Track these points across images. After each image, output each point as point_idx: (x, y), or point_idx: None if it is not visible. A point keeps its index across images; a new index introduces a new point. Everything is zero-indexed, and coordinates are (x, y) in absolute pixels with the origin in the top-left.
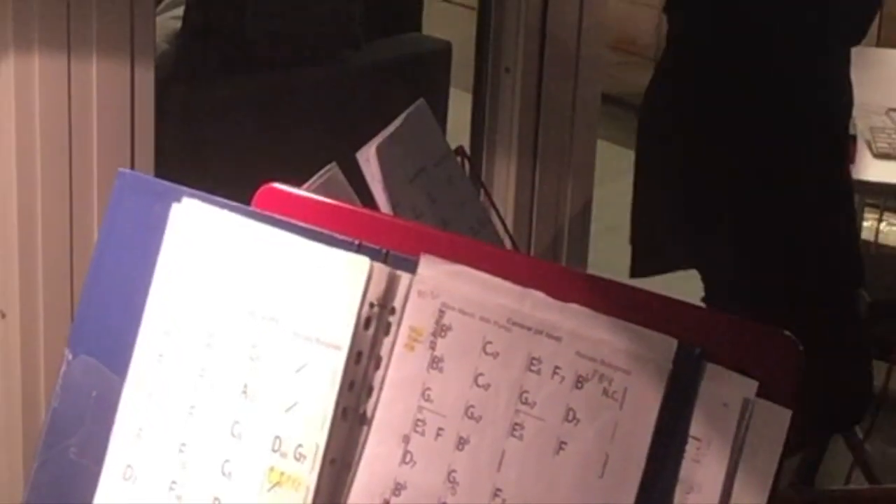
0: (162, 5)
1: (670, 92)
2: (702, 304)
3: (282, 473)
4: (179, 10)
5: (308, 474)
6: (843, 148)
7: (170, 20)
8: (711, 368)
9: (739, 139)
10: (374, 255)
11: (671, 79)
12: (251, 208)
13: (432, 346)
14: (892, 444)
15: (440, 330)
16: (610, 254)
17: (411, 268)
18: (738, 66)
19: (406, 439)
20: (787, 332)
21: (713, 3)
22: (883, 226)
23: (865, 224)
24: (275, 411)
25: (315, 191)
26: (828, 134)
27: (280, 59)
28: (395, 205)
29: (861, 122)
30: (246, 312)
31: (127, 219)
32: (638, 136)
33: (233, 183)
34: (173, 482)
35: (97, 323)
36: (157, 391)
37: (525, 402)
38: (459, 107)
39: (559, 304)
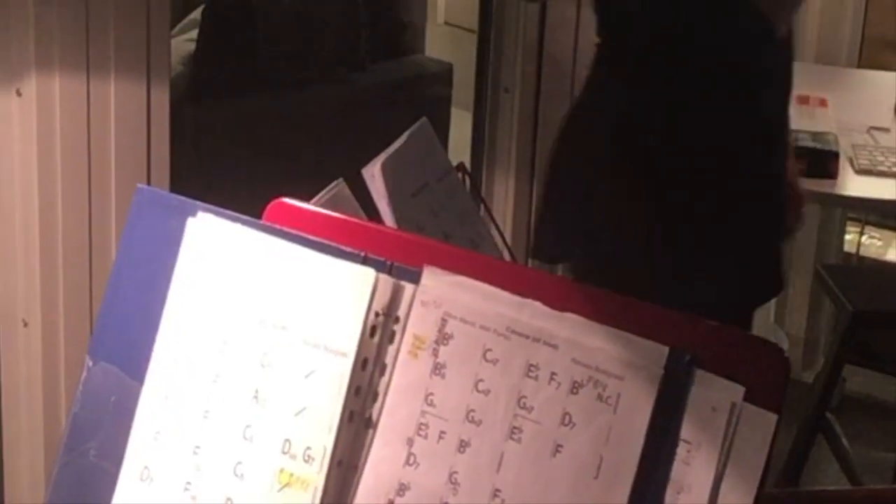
0: (177, 28)
1: (601, 102)
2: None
3: (291, 475)
4: (193, 34)
5: (316, 475)
6: (773, 163)
7: (184, 43)
8: (701, 374)
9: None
10: (379, 266)
11: (601, 92)
12: (262, 222)
13: (435, 354)
14: (875, 447)
15: (442, 338)
16: None
17: (415, 279)
18: (667, 86)
19: (410, 442)
20: (773, 342)
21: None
22: (864, 238)
23: (847, 237)
24: (285, 415)
25: (323, 205)
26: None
27: (289, 80)
28: (399, 219)
29: (843, 139)
30: (257, 321)
31: (144, 232)
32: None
33: (244, 197)
34: (188, 483)
35: (116, 331)
36: (173, 396)
37: (523, 407)
38: (460, 125)
39: (556, 313)
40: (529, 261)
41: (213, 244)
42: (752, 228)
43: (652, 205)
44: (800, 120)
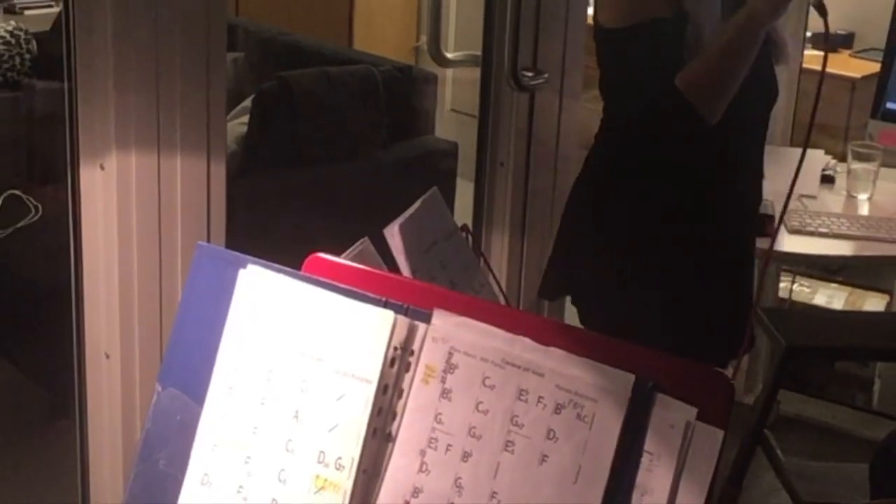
0: (231, 113)
1: (604, 167)
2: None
3: (325, 480)
4: (245, 118)
5: (346, 481)
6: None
7: (238, 126)
8: (661, 398)
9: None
10: (397, 309)
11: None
12: (301, 273)
13: (443, 381)
14: (804, 457)
15: (449, 368)
16: None
17: (427, 319)
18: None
19: (423, 453)
20: (720, 370)
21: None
22: (795, 286)
23: (781, 285)
24: (320, 431)
25: (351, 259)
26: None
27: (323, 157)
28: (413, 270)
29: (777, 204)
30: (297, 354)
31: (204, 281)
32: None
33: (287, 253)
34: (240, 486)
35: (181, 363)
36: (228, 415)
37: (516, 424)
38: (464, 193)
39: (542, 347)
40: (521, 305)
41: (261, 291)
42: (727, 290)
43: (634, 262)
44: None
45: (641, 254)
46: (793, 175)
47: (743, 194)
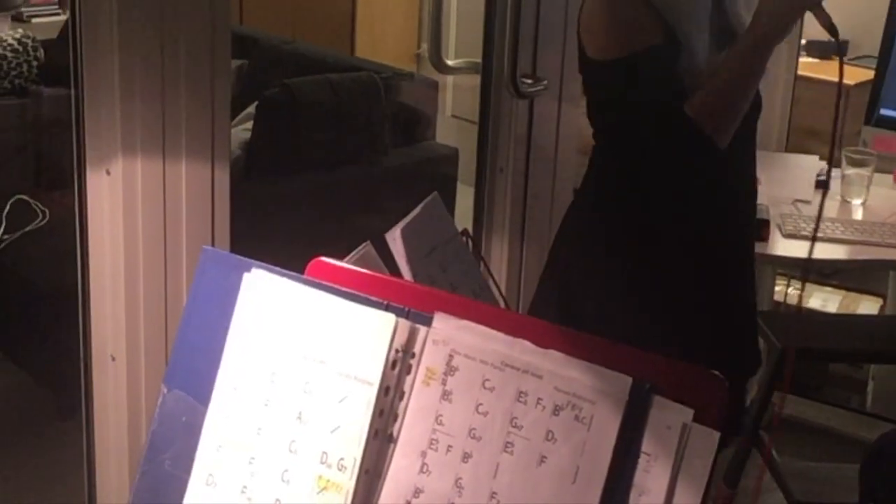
0: (236, 120)
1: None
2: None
3: (328, 480)
4: (249, 124)
5: (348, 481)
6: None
7: (242, 131)
8: (658, 400)
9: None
10: (398, 312)
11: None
12: (304, 276)
13: (444, 383)
14: (797, 457)
15: (450, 370)
16: None
17: (427, 322)
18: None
19: (423, 454)
20: (715, 372)
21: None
22: (790, 289)
23: (777, 289)
24: (323, 432)
25: (353, 263)
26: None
27: (326, 162)
28: (414, 274)
29: (773, 210)
30: (300, 356)
31: (209, 284)
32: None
33: (290, 257)
34: (245, 487)
35: (186, 365)
36: (232, 417)
37: (515, 426)
38: (464, 198)
39: (541, 350)
40: (520, 308)
41: (265, 294)
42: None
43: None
44: None
45: (643, 274)
46: (787, 180)
47: (741, 204)
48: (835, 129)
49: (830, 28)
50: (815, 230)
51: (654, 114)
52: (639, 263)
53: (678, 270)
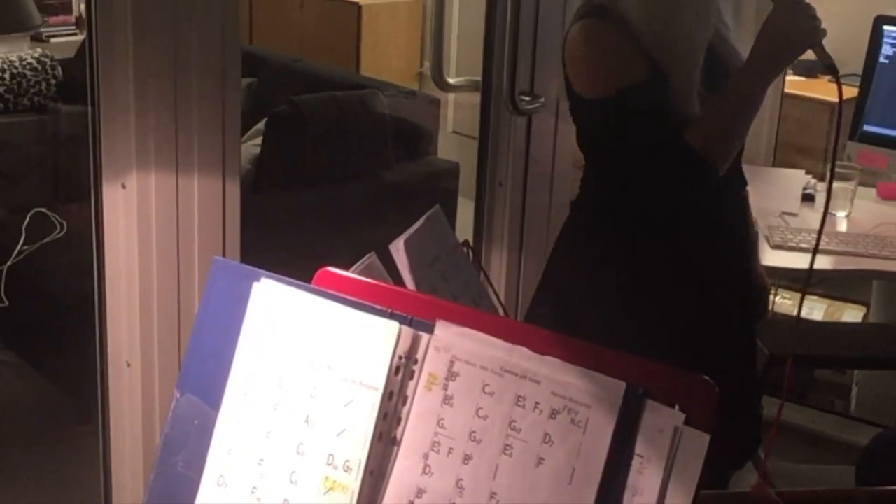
0: (246, 136)
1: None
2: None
3: (334, 481)
4: (258, 140)
5: (353, 482)
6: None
7: (252, 147)
8: (650, 404)
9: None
10: (402, 320)
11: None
12: (312, 286)
13: (445, 388)
14: (785, 459)
15: (451, 375)
16: None
17: (430, 330)
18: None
19: (426, 456)
20: (705, 377)
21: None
22: (777, 298)
23: None
24: (329, 435)
25: (359, 273)
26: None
27: (332, 176)
28: (417, 283)
29: (761, 221)
30: (308, 362)
31: (220, 293)
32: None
33: (298, 267)
34: (254, 487)
35: (199, 370)
36: (243, 420)
37: (513, 429)
38: (465, 211)
39: (538, 356)
40: (518, 316)
41: (274, 303)
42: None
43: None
44: None
45: (635, 289)
46: (775, 194)
47: (732, 223)
48: (834, 150)
49: (830, 67)
50: (817, 243)
51: (643, 145)
52: (631, 278)
53: (670, 285)
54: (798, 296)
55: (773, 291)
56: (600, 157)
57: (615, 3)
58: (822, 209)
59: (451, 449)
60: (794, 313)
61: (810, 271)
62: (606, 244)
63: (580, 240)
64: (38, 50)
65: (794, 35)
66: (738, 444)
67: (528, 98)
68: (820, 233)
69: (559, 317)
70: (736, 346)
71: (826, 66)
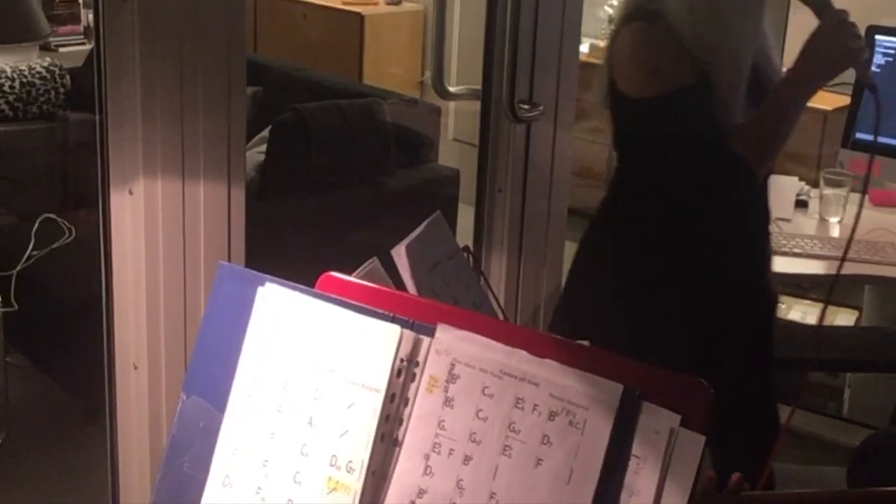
0: (250, 143)
1: (620, 211)
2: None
3: (337, 482)
4: (263, 147)
5: (356, 483)
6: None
7: (256, 154)
8: (647, 406)
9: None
10: (403, 323)
11: (621, 201)
12: (315, 290)
13: (446, 390)
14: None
15: (451, 378)
16: None
17: (431, 333)
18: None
19: (427, 457)
20: (701, 379)
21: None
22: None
23: None
24: (332, 436)
25: (361, 278)
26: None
27: (335, 182)
28: (418, 288)
29: None
30: (311, 365)
31: (225, 298)
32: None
33: (301, 271)
34: (259, 488)
35: (204, 373)
36: (247, 422)
37: (513, 430)
38: (465, 217)
39: (537, 359)
40: (517, 320)
41: (278, 307)
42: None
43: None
44: None
45: (668, 296)
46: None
47: (756, 231)
48: (870, 165)
49: (871, 87)
50: (846, 253)
51: (686, 146)
52: (653, 279)
53: (694, 288)
54: (793, 300)
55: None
56: (638, 158)
57: (662, 7)
58: (816, 216)
59: (451, 450)
60: (787, 316)
61: (836, 277)
62: (634, 244)
63: (608, 239)
64: (47, 59)
65: (838, 53)
66: (757, 449)
67: (527, 106)
68: (848, 244)
69: (583, 322)
70: (755, 352)
71: (867, 86)
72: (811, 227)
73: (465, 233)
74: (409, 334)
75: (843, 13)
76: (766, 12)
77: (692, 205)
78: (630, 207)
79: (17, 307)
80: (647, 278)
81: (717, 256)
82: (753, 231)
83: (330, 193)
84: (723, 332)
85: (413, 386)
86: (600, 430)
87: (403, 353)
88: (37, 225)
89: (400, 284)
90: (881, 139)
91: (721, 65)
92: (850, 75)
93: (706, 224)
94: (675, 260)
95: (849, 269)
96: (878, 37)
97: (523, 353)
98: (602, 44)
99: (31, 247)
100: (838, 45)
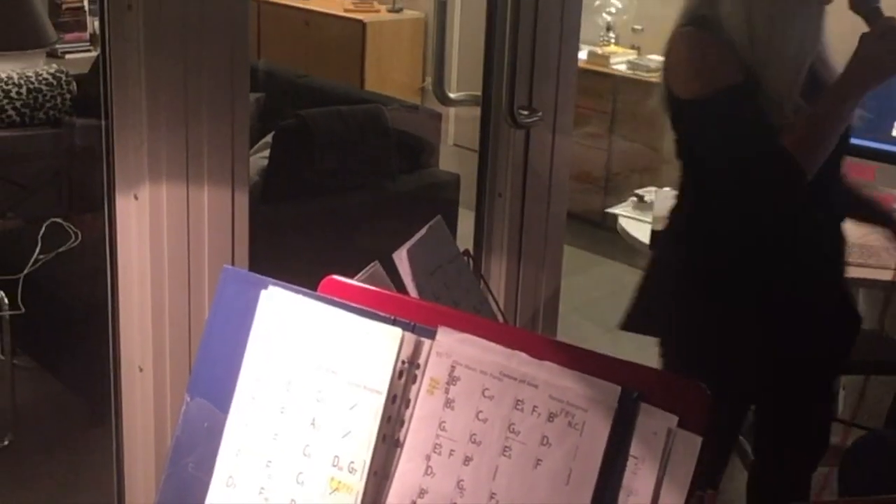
0: (254, 149)
1: (685, 221)
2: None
3: (339, 482)
4: (266, 153)
5: (358, 483)
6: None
7: (259, 159)
8: (645, 407)
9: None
10: (404, 326)
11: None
12: (317, 293)
13: (446, 392)
14: None
15: (452, 380)
16: (574, 327)
17: (431, 335)
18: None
19: (428, 458)
20: (698, 382)
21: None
22: None
23: None
24: (334, 437)
25: (363, 281)
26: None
27: (337, 188)
28: (420, 291)
29: None
30: (314, 367)
31: (229, 301)
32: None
33: (304, 275)
34: (262, 488)
35: (209, 375)
36: (251, 423)
37: (512, 431)
38: (466, 221)
39: (536, 361)
40: (517, 322)
41: (281, 310)
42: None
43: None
44: None
45: (737, 303)
46: None
47: (827, 232)
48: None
49: None
50: None
51: (737, 145)
52: (732, 289)
53: (760, 301)
54: None
55: None
56: (697, 165)
57: (716, 14)
58: None
59: (452, 451)
60: None
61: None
62: (706, 250)
63: (682, 250)
64: (54, 66)
65: (886, 60)
66: (813, 448)
67: (526, 112)
68: None
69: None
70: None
71: None
72: None
73: (465, 237)
74: (411, 337)
75: (893, 20)
76: (824, 19)
77: (746, 207)
78: (696, 214)
79: (24, 310)
80: (721, 287)
81: (776, 267)
82: (819, 241)
83: (332, 198)
84: (803, 343)
85: (414, 388)
86: (599, 431)
87: (405, 355)
88: (43, 229)
89: (401, 288)
90: (876, 144)
91: (776, 69)
92: None
93: (763, 231)
94: (730, 268)
95: None
96: None
97: (523, 355)
98: (601, 51)
99: (37, 251)
100: (885, 52)
